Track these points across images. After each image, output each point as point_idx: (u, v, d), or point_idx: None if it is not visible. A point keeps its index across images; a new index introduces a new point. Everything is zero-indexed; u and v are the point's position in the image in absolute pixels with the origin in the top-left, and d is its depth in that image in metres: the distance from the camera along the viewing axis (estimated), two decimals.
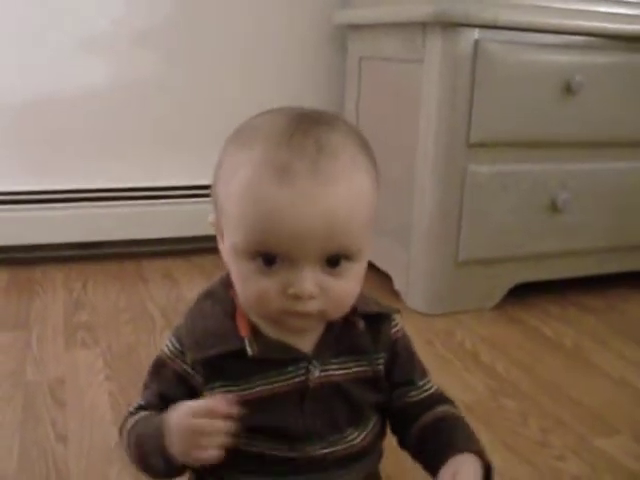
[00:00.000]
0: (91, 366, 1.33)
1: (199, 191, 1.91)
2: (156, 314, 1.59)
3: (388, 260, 1.78)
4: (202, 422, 0.60)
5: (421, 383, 0.78)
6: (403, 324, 0.79)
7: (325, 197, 0.61)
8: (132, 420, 0.69)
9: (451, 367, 1.39)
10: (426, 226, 1.61)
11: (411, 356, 0.78)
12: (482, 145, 1.57)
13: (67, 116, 1.86)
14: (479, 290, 1.68)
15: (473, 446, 0.70)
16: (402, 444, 0.78)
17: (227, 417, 0.61)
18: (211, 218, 0.71)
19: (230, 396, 0.60)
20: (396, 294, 1.71)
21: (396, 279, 1.74)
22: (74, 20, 1.80)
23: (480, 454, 0.70)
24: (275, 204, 0.60)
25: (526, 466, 1.07)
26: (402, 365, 0.76)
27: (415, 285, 1.66)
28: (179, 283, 1.79)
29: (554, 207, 1.67)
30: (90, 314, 1.58)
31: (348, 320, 0.72)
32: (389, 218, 1.75)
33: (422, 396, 0.77)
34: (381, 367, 0.74)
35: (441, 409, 0.75)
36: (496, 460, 1.04)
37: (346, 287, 0.65)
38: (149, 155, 1.94)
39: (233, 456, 0.66)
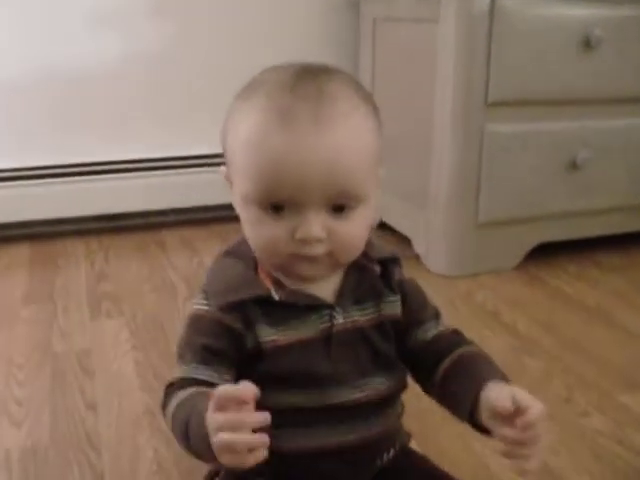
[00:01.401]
0: (116, 336, 1.35)
1: (215, 159, 1.91)
2: (178, 282, 1.60)
3: (407, 223, 1.78)
4: (232, 439, 0.55)
5: (434, 322, 0.78)
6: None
7: (326, 140, 0.63)
8: (175, 401, 0.66)
9: (473, 327, 1.38)
10: (445, 188, 1.60)
11: (421, 296, 0.79)
12: (500, 104, 1.55)
13: (81, 90, 1.85)
14: (500, 251, 1.67)
15: (502, 376, 0.69)
16: (426, 389, 0.78)
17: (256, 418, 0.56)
18: (223, 170, 0.73)
19: (249, 383, 0.58)
20: (416, 257, 1.71)
21: (416, 242, 1.74)
22: None
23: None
24: (277, 149, 0.62)
25: (550, 423, 1.06)
26: (413, 305, 0.77)
27: (435, 247, 1.66)
28: (199, 251, 1.80)
29: (574, 165, 1.65)
30: (113, 285, 1.59)
31: (364, 266, 0.73)
32: (407, 181, 1.75)
33: (437, 332, 0.77)
34: (399, 310, 0.75)
35: (461, 349, 0.75)
36: None
37: (352, 230, 0.67)
38: (164, 126, 1.94)
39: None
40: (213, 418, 0.56)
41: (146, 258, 1.77)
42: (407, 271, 0.78)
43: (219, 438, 0.55)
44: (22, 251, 1.80)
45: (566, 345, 1.32)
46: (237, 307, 0.69)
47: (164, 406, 0.68)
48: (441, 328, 0.78)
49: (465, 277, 1.63)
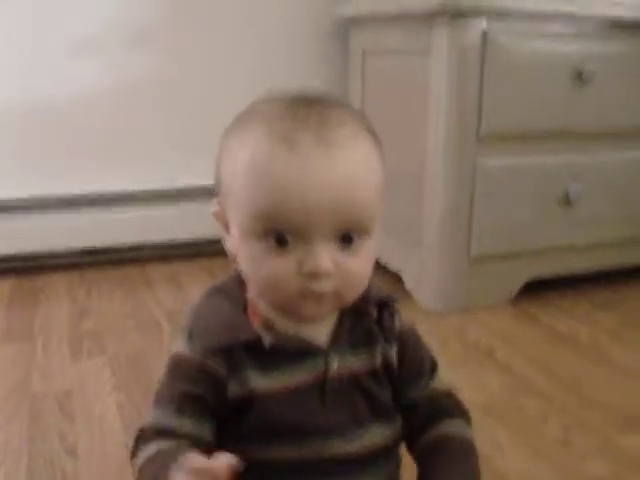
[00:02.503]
0: (98, 376, 1.30)
1: (202, 192, 1.87)
2: (163, 319, 1.55)
3: (398, 259, 1.74)
4: None
5: (429, 378, 0.73)
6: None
7: (332, 164, 0.59)
8: (145, 453, 0.62)
9: (466, 366, 1.36)
10: (437, 222, 1.58)
11: (420, 349, 0.74)
12: (493, 138, 1.53)
13: (64, 121, 1.82)
14: (492, 286, 1.65)
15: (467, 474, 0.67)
16: (408, 449, 0.74)
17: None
18: (214, 208, 0.68)
19: (231, 456, 0.54)
20: (407, 294, 1.68)
21: (407, 278, 1.70)
22: (71, 22, 1.77)
23: None
24: (281, 174, 0.59)
25: (548, 466, 1.04)
26: (410, 360, 0.72)
27: (427, 283, 1.63)
28: (185, 287, 1.76)
29: (566, 200, 1.64)
30: (95, 322, 1.55)
31: (359, 308, 0.69)
32: (399, 216, 1.72)
33: (429, 393, 0.73)
34: (394, 360, 0.71)
35: (445, 429, 0.71)
36: (516, 460, 1.04)
37: (361, 265, 0.63)
38: (148, 158, 1.90)
39: (252, 468, 0.62)
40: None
41: (130, 293, 1.72)
42: (398, 308, 0.74)
43: None
44: (1, 286, 1.75)
45: (562, 385, 1.29)
46: (222, 352, 0.65)
47: (133, 454, 0.64)
48: (435, 386, 0.73)
49: (457, 313, 1.60)
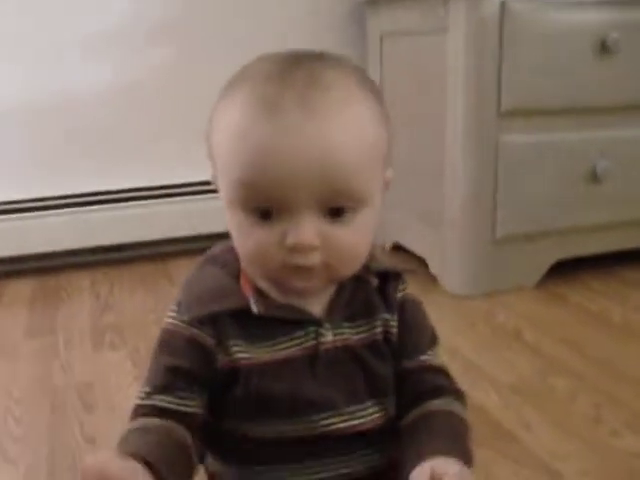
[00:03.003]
0: (119, 368, 1.29)
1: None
2: None
3: (422, 243, 1.71)
4: None
5: (426, 352, 0.69)
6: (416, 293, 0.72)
7: (315, 131, 0.55)
8: (123, 434, 0.60)
9: (495, 348, 1.32)
10: (460, 204, 1.54)
11: (421, 321, 0.71)
12: (514, 113, 1.49)
13: (81, 117, 1.82)
14: (519, 268, 1.60)
15: (451, 449, 0.60)
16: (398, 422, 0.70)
17: None
18: (211, 174, 0.65)
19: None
20: (432, 278, 1.65)
21: (431, 262, 1.67)
22: (82, 19, 1.77)
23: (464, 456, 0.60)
24: (262, 139, 0.55)
25: (579, 443, 1.01)
26: (410, 330, 0.68)
27: (452, 267, 1.59)
28: None
29: (594, 177, 1.59)
30: (117, 316, 1.54)
31: (359, 278, 0.65)
32: (421, 199, 1.69)
33: (423, 366, 0.68)
34: (395, 330, 0.67)
35: (433, 405, 0.66)
36: (546, 438, 1.02)
37: (352, 237, 0.59)
38: (167, 152, 1.89)
39: (245, 448, 0.62)
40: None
41: (152, 289, 1.71)
42: (423, 293, 0.71)
43: None
44: (25, 285, 1.75)
45: (592, 363, 1.25)
46: (210, 320, 0.62)
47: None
48: (428, 361, 0.69)
49: (484, 296, 1.56)
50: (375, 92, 0.62)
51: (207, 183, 1.89)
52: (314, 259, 0.58)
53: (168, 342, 0.64)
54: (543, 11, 1.46)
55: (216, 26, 1.88)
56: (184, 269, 1.81)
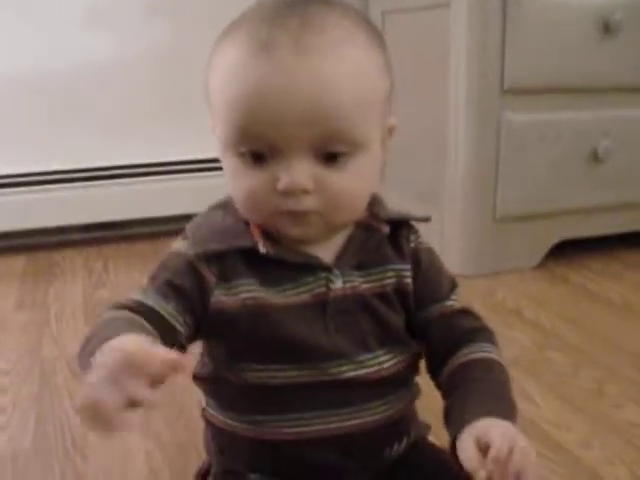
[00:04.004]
0: None
1: (216, 164, 1.83)
2: None
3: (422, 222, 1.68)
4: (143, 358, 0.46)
5: (447, 299, 0.67)
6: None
7: (309, 72, 0.54)
8: (108, 314, 0.58)
9: (494, 325, 1.28)
10: (460, 182, 1.52)
11: (437, 269, 0.69)
12: (517, 91, 1.46)
13: (76, 93, 1.79)
14: (519, 248, 1.58)
15: (496, 408, 0.58)
16: (433, 379, 0.68)
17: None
18: (211, 123, 0.64)
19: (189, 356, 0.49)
20: None
21: (431, 241, 1.64)
22: None
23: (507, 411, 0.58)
24: (253, 81, 0.55)
25: (581, 414, 0.99)
26: (426, 279, 0.66)
27: (451, 246, 1.57)
28: None
29: (595, 157, 1.56)
30: (111, 292, 1.51)
31: (370, 227, 0.64)
32: (421, 178, 1.66)
33: (448, 311, 0.67)
34: (409, 280, 0.65)
35: (472, 353, 0.64)
36: (549, 410, 1.00)
37: (347, 182, 0.58)
38: (163, 130, 1.86)
39: (247, 395, 0.61)
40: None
41: (147, 266, 1.66)
42: (417, 229, 0.69)
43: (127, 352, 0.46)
44: (17, 261, 1.72)
45: (593, 339, 1.24)
46: (216, 258, 0.61)
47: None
48: (455, 305, 0.67)
49: (484, 276, 1.54)
50: (376, 37, 0.61)
51: (204, 161, 1.87)
52: (307, 204, 0.57)
53: (171, 262, 0.62)
54: None
55: (214, 2, 1.85)
56: None
